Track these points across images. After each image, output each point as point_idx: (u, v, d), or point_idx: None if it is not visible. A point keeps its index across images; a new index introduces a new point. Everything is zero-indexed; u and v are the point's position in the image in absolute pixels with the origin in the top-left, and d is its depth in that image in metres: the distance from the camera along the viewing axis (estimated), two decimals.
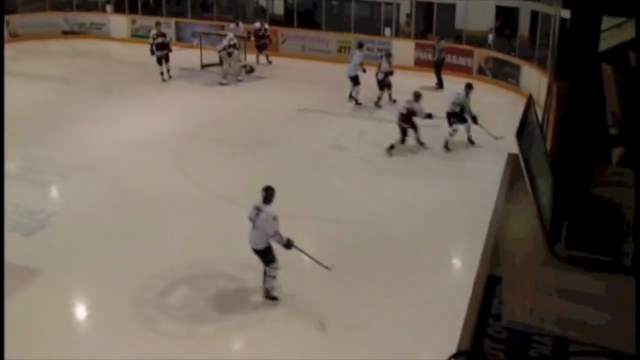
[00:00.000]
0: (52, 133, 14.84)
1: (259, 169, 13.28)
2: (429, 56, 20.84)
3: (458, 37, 21.07)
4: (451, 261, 10.48)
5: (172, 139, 14.79)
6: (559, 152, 3.66)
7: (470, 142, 14.64)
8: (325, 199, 12.16)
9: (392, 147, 13.97)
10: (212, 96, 17.83)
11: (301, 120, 14.96)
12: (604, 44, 6.54)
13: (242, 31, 21.11)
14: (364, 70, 17.15)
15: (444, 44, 19.62)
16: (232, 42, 18.92)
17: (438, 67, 19.56)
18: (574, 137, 3.28)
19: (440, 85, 19.41)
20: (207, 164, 13.51)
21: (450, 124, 14.32)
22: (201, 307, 8.93)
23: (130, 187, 12.38)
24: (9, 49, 21.83)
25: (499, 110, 16.96)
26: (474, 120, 14.32)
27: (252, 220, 8.57)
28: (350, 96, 17.36)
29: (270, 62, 21.72)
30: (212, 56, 20.67)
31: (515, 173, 3.45)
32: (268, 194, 8.52)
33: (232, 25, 21.45)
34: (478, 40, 20.76)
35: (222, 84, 19.14)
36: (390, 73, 17.22)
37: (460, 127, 14.33)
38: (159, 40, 19.18)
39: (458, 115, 14.26)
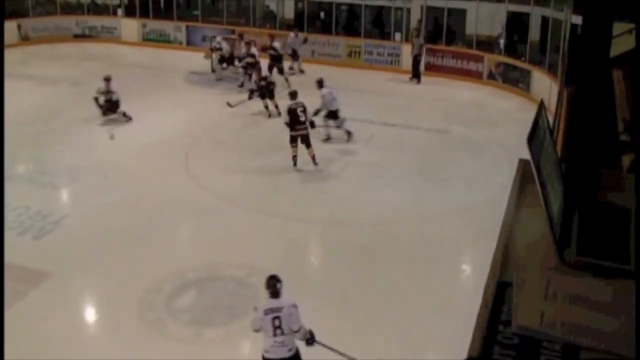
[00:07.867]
0: (62, 136, 14.88)
1: (267, 174, 13.31)
2: (439, 61, 20.87)
3: (469, 42, 21.02)
4: (460, 267, 10.44)
5: (181, 143, 14.82)
6: (568, 158, 3.66)
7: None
8: (332, 203, 12.14)
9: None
10: (222, 101, 17.84)
11: None
12: (616, 50, 6.53)
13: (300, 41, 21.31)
14: None
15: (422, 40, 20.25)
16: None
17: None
18: (583, 142, 3.28)
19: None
20: (216, 168, 13.52)
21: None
22: (209, 310, 8.95)
23: (140, 190, 12.41)
24: (19, 52, 21.97)
25: (509, 115, 16.92)
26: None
27: (278, 327, 6.77)
28: None
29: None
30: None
31: (526, 179, 3.43)
32: (278, 286, 6.84)
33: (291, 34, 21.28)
34: (488, 45, 20.72)
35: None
36: None
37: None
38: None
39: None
